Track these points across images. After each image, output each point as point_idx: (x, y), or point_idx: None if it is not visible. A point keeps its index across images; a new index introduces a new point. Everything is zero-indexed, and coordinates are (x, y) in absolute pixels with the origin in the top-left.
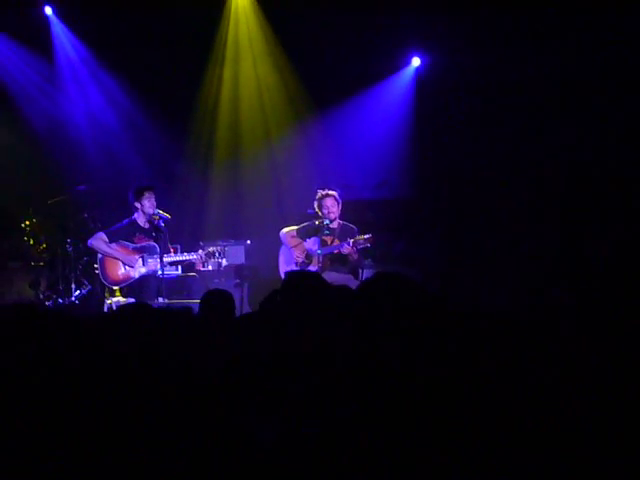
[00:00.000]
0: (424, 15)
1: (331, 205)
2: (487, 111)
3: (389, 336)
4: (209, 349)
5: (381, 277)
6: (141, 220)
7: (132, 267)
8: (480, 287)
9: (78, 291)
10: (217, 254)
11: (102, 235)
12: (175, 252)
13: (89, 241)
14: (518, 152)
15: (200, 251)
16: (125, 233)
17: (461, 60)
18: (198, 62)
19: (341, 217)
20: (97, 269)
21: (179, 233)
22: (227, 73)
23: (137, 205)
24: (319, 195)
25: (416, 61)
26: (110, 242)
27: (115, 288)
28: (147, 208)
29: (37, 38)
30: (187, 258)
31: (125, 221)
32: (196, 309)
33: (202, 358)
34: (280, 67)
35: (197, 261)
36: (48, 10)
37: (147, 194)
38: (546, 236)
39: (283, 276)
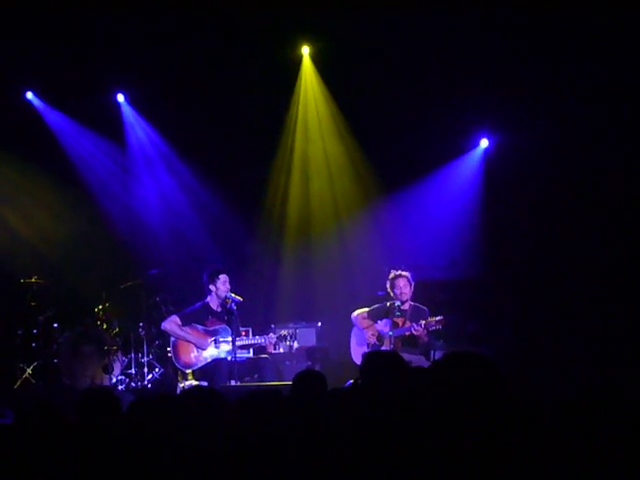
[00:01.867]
0: (492, 97)
1: (403, 286)
2: (555, 192)
3: (464, 415)
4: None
5: (455, 357)
6: (214, 303)
7: (204, 350)
8: (552, 368)
9: (151, 375)
10: (289, 337)
11: (175, 318)
12: (246, 335)
13: (163, 324)
14: (589, 234)
15: (271, 334)
16: (198, 316)
17: (530, 141)
18: (268, 145)
19: (412, 298)
20: (170, 352)
21: (251, 315)
22: (297, 155)
23: (212, 288)
24: (392, 275)
25: (484, 142)
26: (183, 325)
27: (188, 371)
28: (221, 291)
29: (109, 125)
30: (259, 342)
31: (198, 304)
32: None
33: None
34: (349, 148)
35: (268, 344)
36: (120, 97)
37: (222, 277)
38: (620, 318)
39: (355, 358)
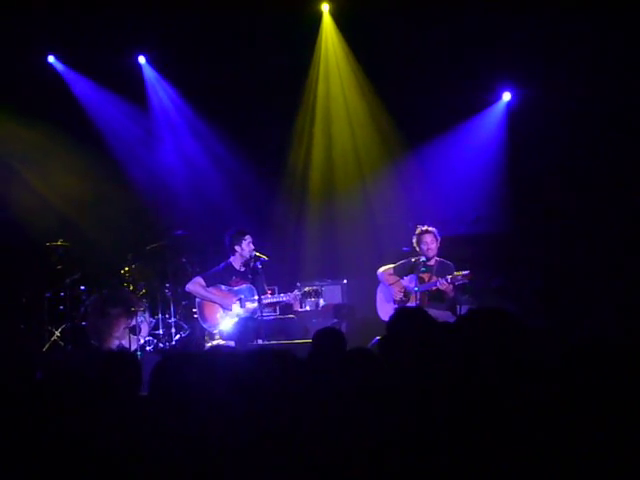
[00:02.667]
0: (514, 50)
1: (430, 241)
2: (579, 143)
3: (490, 371)
4: (321, 387)
5: (479, 313)
6: (237, 263)
7: (229, 310)
8: (580, 319)
9: (178, 335)
10: (313, 293)
11: (199, 279)
12: (272, 293)
13: (187, 286)
14: (614, 183)
15: (296, 291)
16: (222, 277)
17: (553, 93)
18: (290, 104)
19: (438, 253)
20: (196, 313)
21: (276, 275)
22: (319, 114)
23: (236, 249)
24: (418, 231)
25: (507, 95)
26: (207, 286)
27: (215, 331)
28: (246, 252)
29: (131, 87)
30: (284, 299)
31: (221, 265)
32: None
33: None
34: (371, 105)
35: (294, 301)
36: (141, 59)
37: (247, 237)
38: None
39: (381, 314)
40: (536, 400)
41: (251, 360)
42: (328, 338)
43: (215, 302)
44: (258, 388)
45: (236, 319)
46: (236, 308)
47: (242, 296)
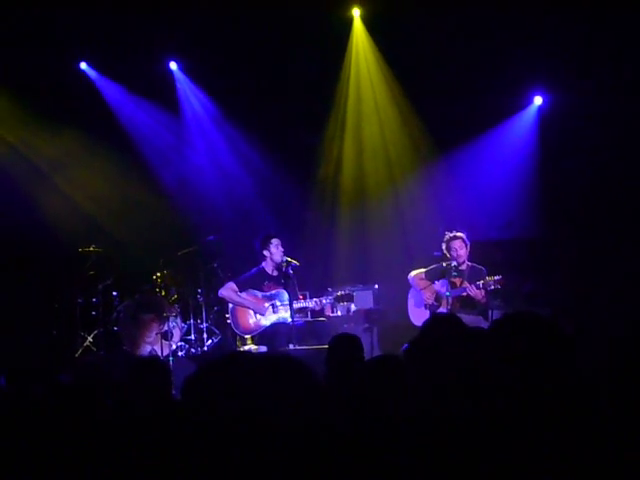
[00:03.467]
0: (546, 53)
1: (459, 247)
2: (611, 148)
3: (523, 376)
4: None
5: (513, 317)
6: (269, 268)
7: (262, 315)
8: (612, 323)
9: (210, 341)
10: (346, 298)
11: (232, 285)
12: (304, 299)
13: (220, 291)
14: None
15: (329, 297)
16: (254, 282)
17: (584, 97)
18: (322, 109)
19: (469, 258)
20: (228, 318)
21: (307, 280)
22: (350, 118)
23: (265, 253)
24: (447, 237)
25: (538, 100)
26: (240, 291)
27: (247, 337)
28: (276, 255)
29: (163, 93)
30: (316, 304)
31: (254, 270)
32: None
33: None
34: (402, 109)
35: (326, 307)
36: (173, 65)
37: (274, 241)
38: None
39: (412, 319)
40: (582, 413)
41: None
42: (344, 345)
43: (248, 307)
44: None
45: (268, 324)
46: (269, 313)
47: (275, 301)
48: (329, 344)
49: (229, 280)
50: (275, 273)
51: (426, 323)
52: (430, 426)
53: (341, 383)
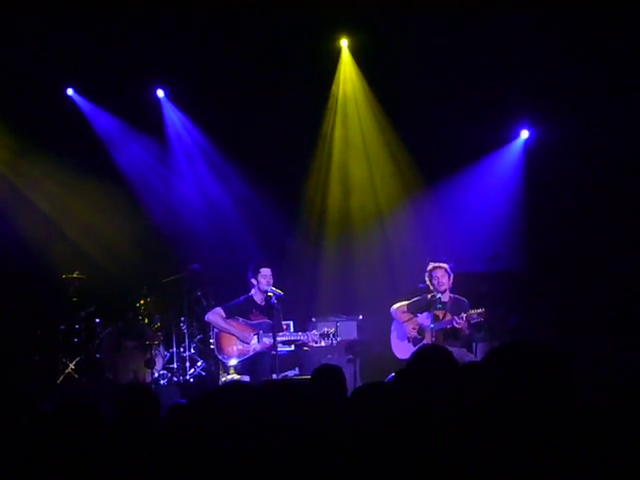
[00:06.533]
0: (532, 88)
1: (441, 276)
2: (597, 181)
3: (519, 407)
4: (324, 424)
5: (509, 348)
6: (258, 297)
7: (247, 343)
8: (595, 361)
9: (193, 369)
10: (331, 335)
11: (220, 310)
12: (287, 329)
13: (207, 316)
14: (634, 222)
15: (314, 331)
16: (242, 309)
17: (571, 131)
18: (308, 140)
19: (454, 290)
20: (212, 343)
21: (291, 309)
22: (336, 148)
23: (253, 281)
24: (430, 267)
25: (525, 133)
26: (227, 318)
27: (230, 364)
28: (262, 285)
29: (149, 120)
30: (301, 338)
31: (242, 298)
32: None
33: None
34: (389, 140)
35: (310, 341)
36: (160, 93)
37: (264, 271)
38: None
39: (395, 351)
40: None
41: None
42: (327, 377)
43: (233, 334)
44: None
45: (252, 353)
46: (253, 342)
47: (260, 331)
48: (312, 375)
49: (215, 306)
50: (263, 303)
51: (415, 353)
52: (420, 458)
53: (325, 414)
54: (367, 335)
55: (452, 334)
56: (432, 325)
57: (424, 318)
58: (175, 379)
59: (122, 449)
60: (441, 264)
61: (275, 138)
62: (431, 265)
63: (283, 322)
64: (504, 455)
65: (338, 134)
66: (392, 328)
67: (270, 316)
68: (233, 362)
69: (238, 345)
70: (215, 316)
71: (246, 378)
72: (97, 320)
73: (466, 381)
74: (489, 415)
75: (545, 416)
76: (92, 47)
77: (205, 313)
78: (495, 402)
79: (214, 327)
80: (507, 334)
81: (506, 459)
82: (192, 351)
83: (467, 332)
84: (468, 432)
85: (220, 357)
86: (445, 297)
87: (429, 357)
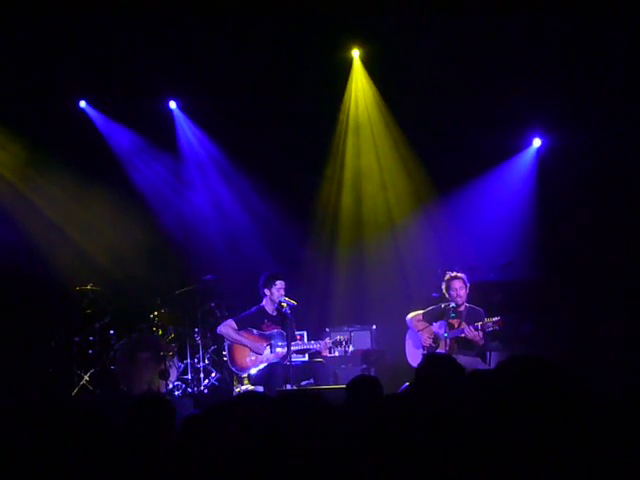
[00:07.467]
0: (544, 96)
1: (459, 287)
2: (610, 189)
3: (527, 419)
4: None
5: (517, 361)
6: (269, 307)
7: (260, 354)
8: (609, 370)
9: (207, 380)
10: (344, 342)
11: (231, 322)
12: (301, 339)
13: (218, 328)
14: None
15: (327, 339)
16: (254, 320)
17: (583, 139)
18: (320, 149)
19: (467, 299)
20: (225, 356)
21: (305, 319)
22: (348, 158)
23: (266, 292)
24: (447, 277)
25: (537, 142)
26: (239, 329)
27: (243, 375)
28: (275, 296)
29: (162, 132)
30: (314, 347)
31: (254, 308)
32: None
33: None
34: (401, 150)
35: (323, 349)
36: (172, 104)
37: (278, 283)
38: None
39: (410, 360)
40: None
41: (283, 406)
42: (364, 386)
43: (246, 345)
44: (290, 436)
45: (266, 364)
46: (266, 352)
47: (273, 341)
48: (347, 386)
49: (228, 318)
50: (275, 313)
51: (421, 363)
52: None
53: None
54: (381, 344)
55: (466, 343)
56: (446, 334)
57: (438, 327)
58: (189, 390)
59: (137, 459)
60: (458, 274)
61: (288, 149)
62: (448, 275)
63: (297, 332)
64: (503, 466)
65: (350, 144)
66: (407, 337)
67: (283, 326)
68: (247, 374)
69: (251, 356)
70: (227, 328)
71: (260, 389)
72: (111, 332)
73: (471, 390)
74: (490, 425)
75: (547, 431)
76: (104, 59)
77: (219, 324)
78: (497, 414)
79: (226, 339)
80: (520, 343)
81: (506, 471)
82: (206, 362)
83: (481, 341)
84: (470, 440)
85: (233, 369)
86: (461, 307)
87: (434, 367)
